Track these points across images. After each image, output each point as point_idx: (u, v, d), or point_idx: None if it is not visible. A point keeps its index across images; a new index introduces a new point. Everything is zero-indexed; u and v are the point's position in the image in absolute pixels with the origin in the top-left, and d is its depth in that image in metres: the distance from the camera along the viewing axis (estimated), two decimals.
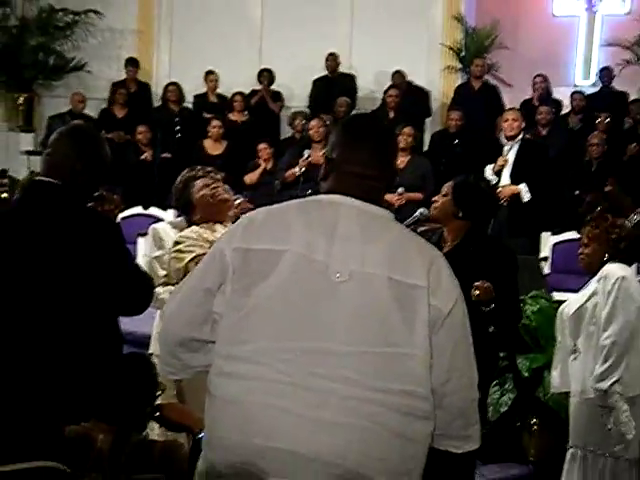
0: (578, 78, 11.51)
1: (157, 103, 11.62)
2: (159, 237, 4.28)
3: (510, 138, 7.85)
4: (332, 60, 11.09)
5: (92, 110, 11.14)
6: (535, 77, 10.44)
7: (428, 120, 10.97)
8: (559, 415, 5.10)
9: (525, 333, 5.44)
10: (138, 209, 9.31)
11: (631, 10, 11.36)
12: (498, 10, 11.40)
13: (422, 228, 4.31)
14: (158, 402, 2.93)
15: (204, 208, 4.15)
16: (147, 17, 12.16)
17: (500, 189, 7.43)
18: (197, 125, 10.54)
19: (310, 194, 2.36)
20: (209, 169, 4.39)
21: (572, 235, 7.25)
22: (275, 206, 2.28)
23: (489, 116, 10.05)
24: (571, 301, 4.55)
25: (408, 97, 10.56)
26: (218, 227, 4.10)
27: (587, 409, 4.32)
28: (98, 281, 3.04)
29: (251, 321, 2.11)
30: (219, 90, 11.27)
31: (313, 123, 9.18)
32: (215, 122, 10.10)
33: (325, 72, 11.14)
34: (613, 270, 4.37)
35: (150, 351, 3.98)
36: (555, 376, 4.60)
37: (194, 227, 4.10)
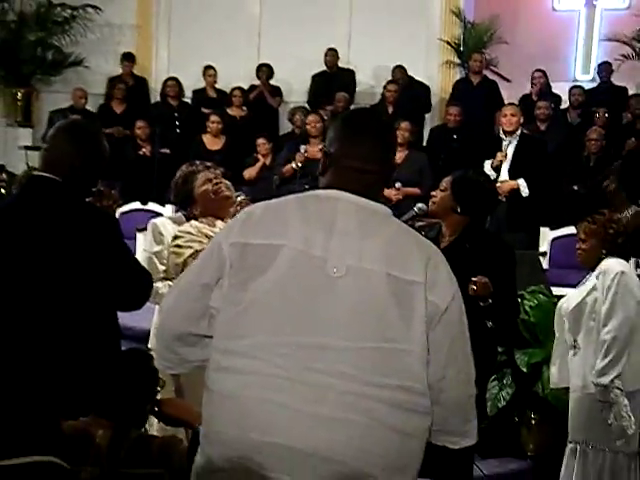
0: (577, 73, 11.51)
1: (155, 98, 11.63)
2: (158, 232, 4.28)
3: (509, 133, 7.85)
4: (331, 55, 11.08)
5: (90, 105, 11.15)
6: (534, 72, 10.43)
7: (427, 115, 10.96)
8: (557, 410, 5.11)
9: (524, 328, 5.44)
10: (137, 204, 9.32)
11: (630, 5, 11.35)
12: (497, 4, 11.39)
13: (420, 223, 4.31)
14: (157, 397, 2.93)
15: (205, 203, 4.15)
16: (146, 12, 12.15)
17: (499, 184, 7.43)
18: (196, 120, 10.53)
19: (308, 189, 2.35)
20: (208, 164, 4.39)
21: (571, 230, 7.25)
22: (273, 201, 2.28)
23: (488, 111, 10.05)
24: (570, 297, 4.56)
25: (409, 92, 10.56)
26: (218, 222, 4.10)
27: (587, 404, 4.33)
28: (97, 276, 3.04)
29: (248, 316, 2.11)
30: (218, 85, 11.26)
31: (310, 118, 9.19)
32: (214, 117, 10.10)
33: (324, 67, 11.13)
34: (612, 265, 4.37)
35: (149, 346, 3.98)
36: (554, 372, 4.61)
37: (193, 222, 4.10)
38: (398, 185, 8.30)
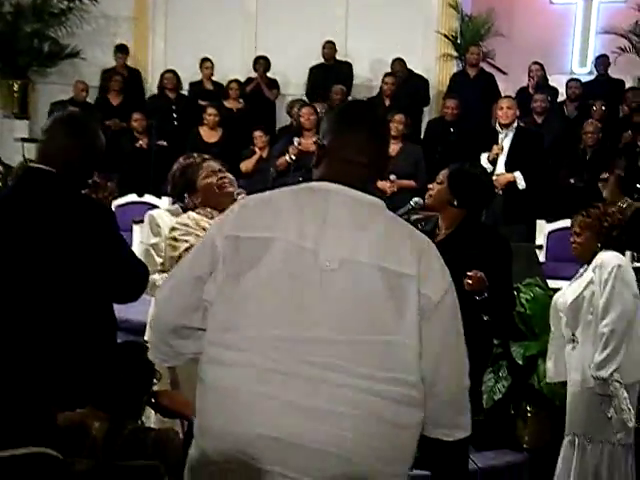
0: (574, 66, 11.51)
1: (151, 91, 11.61)
2: (156, 224, 4.27)
3: (505, 126, 7.85)
4: (329, 48, 11.07)
5: (88, 97, 11.11)
6: (531, 65, 10.42)
7: (426, 108, 10.96)
8: (553, 403, 5.12)
9: (520, 321, 5.45)
10: (133, 197, 9.31)
11: None
12: None
13: (416, 216, 4.31)
14: (153, 389, 2.93)
15: (207, 195, 4.13)
16: (142, 4, 12.12)
17: (495, 177, 7.43)
18: (193, 113, 10.52)
19: (301, 181, 2.34)
20: (206, 156, 4.38)
21: (567, 223, 7.21)
22: (267, 193, 2.28)
23: (485, 104, 10.05)
24: (565, 291, 4.56)
25: (407, 85, 10.55)
26: (216, 214, 4.08)
27: (586, 398, 4.34)
28: (92, 268, 3.04)
29: (242, 309, 2.12)
30: (215, 78, 11.24)
31: (304, 111, 9.17)
32: (211, 110, 10.08)
33: (321, 60, 11.12)
34: (608, 258, 4.38)
35: (145, 338, 3.98)
36: (550, 367, 4.62)
37: (191, 213, 4.08)
38: (393, 177, 8.30)
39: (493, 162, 7.71)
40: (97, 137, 3.26)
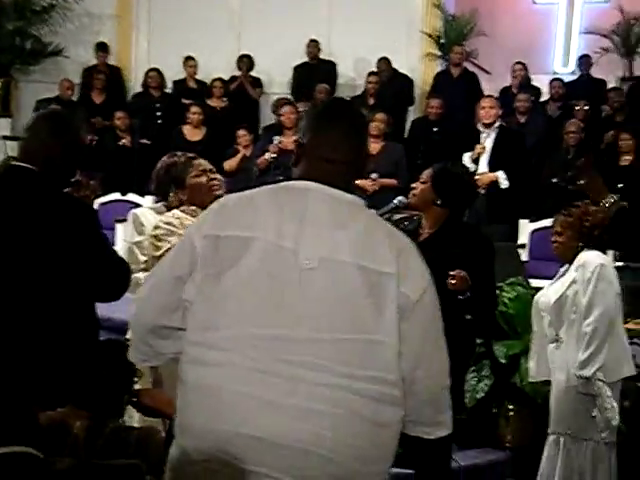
0: (557, 66, 11.54)
1: (135, 89, 11.57)
2: (139, 222, 4.26)
3: (487, 126, 7.87)
4: (313, 47, 11.07)
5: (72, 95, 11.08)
6: (514, 64, 10.46)
7: (410, 108, 10.97)
8: (535, 401, 5.14)
9: (502, 320, 5.47)
10: (116, 195, 9.29)
11: None
12: None
13: (399, 215, 4.32)
14: (135, 388, 2.93)
15: (194, 193, 4.11)
16: (125, 2, 12.06)
17: (478, 177, 7.45)
18: (177, 111, 10.50)
19: (282, 180, 2.33)
20: (190, 155, 4.37)
21: (550, 222, 7.26)
22: (245, 192, 2.27)
23: (469, 103, 10.07)
24: (547, 291, 4.58)
25: (392, 85, 10.56)
26: (200, 213, 4.07)
27: (570, 397, 4.35)
28: (74, 266, 3.03)
29: (221, 308, 2.11)
30: (198, 76, 11.22)
31: (285, 109, 9.17)
32: (194, 108, 10.07)
33: (305, 59, 11.12)
34: (591, 258, 4.40)
35: (127, 336, 3.97)
36: (532, 366, 4.64)
37: (176, 212, 4.06)
38: (374, 176, 8.31)
39: (476, 161, 7.73)
40: (79, 134, 3.25)
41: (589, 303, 4.33)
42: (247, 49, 11.22)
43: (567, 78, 10.79)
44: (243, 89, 11.02)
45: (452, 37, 11.17)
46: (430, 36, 11.22)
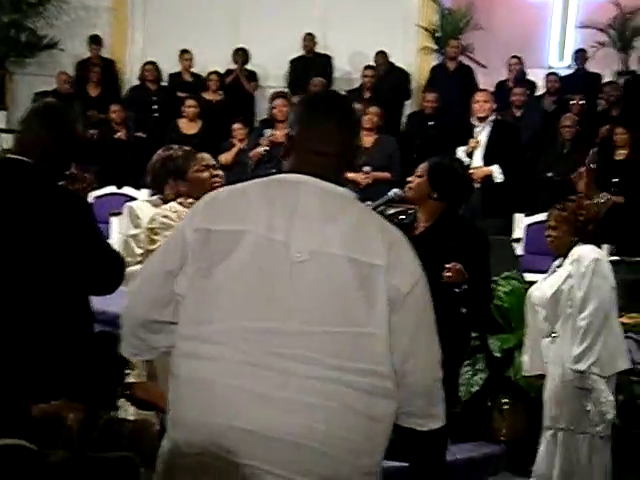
0: (553, 60, 11.54)
1: (130, 82, 11.55)
2: (135, 215, 4.25)
3: (481, 120, 7.87)
4: (309, 40, 11.06)
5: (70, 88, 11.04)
6: (510, 58, 10.46)
7: (407, 102, 10.97)
8: (529, 395, 5.15)
9: (497, 314, 5.48)
10: (112, 188, 9.28)
11: None
12: None
13: (395, 209, 4.32)
14: (129, 381, 2.93)
15: (195, 187, 4.09)
16: None
17: (473, 171, 7.45)
18: (173, 104, 10.48)
19: (274, 173, 2.33)
20: (186, 148, 4.36)
21: (545, 217, 7.27)
22: (237, 186, 2.27)
23: (464, 97, 10.06)
24: (541, 285, 4.59)
25: (389, 78, 10.55)
26: None
27: (565, 391, 4.36)
28: (69, 259, 3.03)
29: (212, 302, 2.11)
30: (194, 69, 11.20)
31: (277, 102, 9.15)
32: (190, 101, 10.05)
33: (301, 52, 11.10)
34: (586, 252, 4.41)
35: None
36: (526, 360, 4.65)
37: (175, 205, 4.05)
38: (367, 169, 8.31)
39: (470, 155, 7.73)
40: (74, 127, 3.24)
41: (584, 297, 4.34)
42: (243, 42, 11.20)
43: (563, 72, 10.79)
44: (239, 82, 11.01)
45: (448, 31, 11.16)
46: (426, 30, 11.21)
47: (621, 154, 8.36)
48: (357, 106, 8.73)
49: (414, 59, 11.32)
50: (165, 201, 4.17)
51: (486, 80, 10.49)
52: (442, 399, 2.23)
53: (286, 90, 10.61)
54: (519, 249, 7.97)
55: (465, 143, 7.81)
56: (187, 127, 9.95)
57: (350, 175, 7.60)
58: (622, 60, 11.02)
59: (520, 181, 8.12)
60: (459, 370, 4.58)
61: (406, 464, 4.02)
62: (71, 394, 2.69)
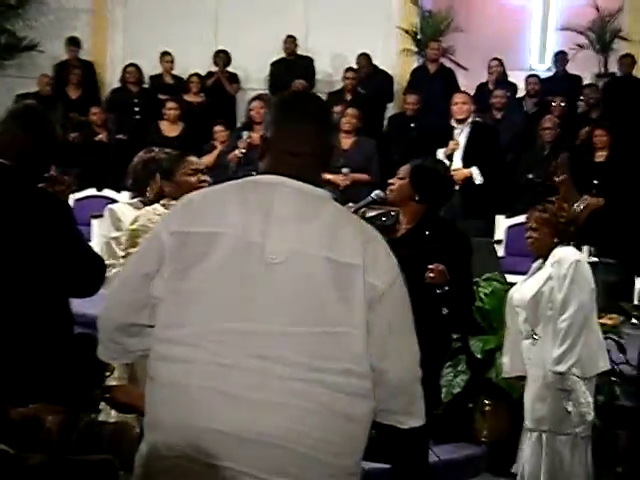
0: (533, 62, 11.60)
1: (110, 84, 11.51)
2: (116, 218, 4.24)
3: (460, 121, 7.89)
4: (290, 42, 11.06)
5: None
6: (491, 61, 10.50)
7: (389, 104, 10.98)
8: (511, 396, 5.16)
9: (478, 315, 5.49)
10: (92, 191, 9.25)
11: None
12: None
13: (377, 211, 4.33)
14: (109, 384, 2.91)
15: (180, 190, 4.03)
16: None
17: (452, 173, 7.46)
18: (154, 107, 10.45)
19: (253, 175, 2.33)
20: (167, 150, 4.35)
21: (526, 218, 7.31)
22: (212, 188, 2.27)
23: (446, 99, 10.08)
24: (521, 287, 4.59)
25: (371, 81, 10.56)
26: None
27: (546, 392, 4.37)
28: (48, 262, 3.01)
29: (188, 304, 2.11)
30: (175, 71, 11.18)
31: (254, 104, 9.13)
32: (171, 104, 10.03)
33: (282, 54, 11.10)
34: (566, 254, 4.43)
35: None
36: (506, 362, 4.66)
37: (157, 206, 4.02)
38: (345, 171, 8.31)
39: (449, 157, 7.74)
40: (53, 129, 3.23)
41: (565, 299, 4.35)
42: (224, 44, 11.18)
43: (543, 74, 10.85)
44: (220, 85, 10.99)
45: (428, 33, 11.19)
46: (407, 32, 11.23)
47: (601, 156, 8.40)
48: (337, 108, 8.76)
49: (395, 61, 11.33)
50: (146, 203, 4.15)
51: (467, 82, 10.52)
52: (421, 397, 2.23)
53: (267, 92, 10.61)
54: (500, 251, 8.00)
55: (446, 145, 7.83)
56: (168, 129, 9.93)
57: (329, 177, 7.62)
58: (601, 62, 11.09)
59: (501, 183, 8.14)
60: (440, 371, 4.59)
61: (388, 466, 4.04)
62: (50, 397, 2.67)
